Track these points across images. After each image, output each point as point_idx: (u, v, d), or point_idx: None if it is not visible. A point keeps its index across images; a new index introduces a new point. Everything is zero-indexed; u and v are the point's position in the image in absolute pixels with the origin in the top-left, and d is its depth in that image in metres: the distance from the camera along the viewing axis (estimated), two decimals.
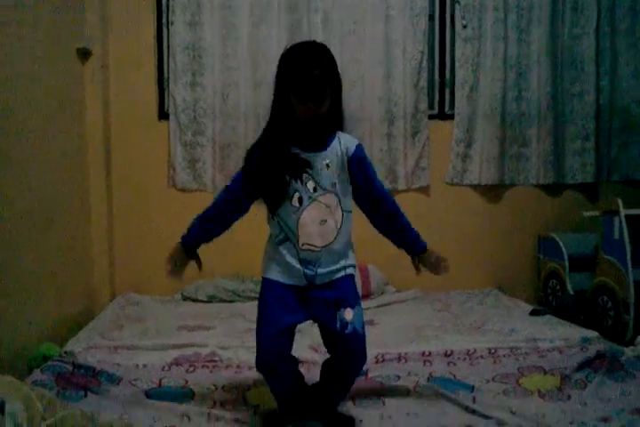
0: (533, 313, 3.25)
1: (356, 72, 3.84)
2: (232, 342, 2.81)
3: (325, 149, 1.84)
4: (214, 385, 2.33)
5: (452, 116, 3.95)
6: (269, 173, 1.82)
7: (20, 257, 2.64)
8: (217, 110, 3.84)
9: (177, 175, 3.88)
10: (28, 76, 2.79)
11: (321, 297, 1.92)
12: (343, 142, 1.87)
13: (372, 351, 2.57)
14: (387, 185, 3.90)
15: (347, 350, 1.95)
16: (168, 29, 3.86)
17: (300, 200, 1.83)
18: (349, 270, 1.97)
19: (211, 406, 2.20)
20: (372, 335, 2.89)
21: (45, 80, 3.01)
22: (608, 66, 3.93)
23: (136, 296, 3.77)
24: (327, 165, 1.83)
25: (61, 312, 3.13)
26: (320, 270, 1.91)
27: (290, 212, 1.85)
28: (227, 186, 1.97)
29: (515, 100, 3.91)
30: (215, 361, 2.59)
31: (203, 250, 3.80)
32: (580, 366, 2.41)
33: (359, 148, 1.89)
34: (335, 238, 1.89)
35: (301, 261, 1.89)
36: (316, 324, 2.03)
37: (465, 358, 2.56)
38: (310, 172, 1.82)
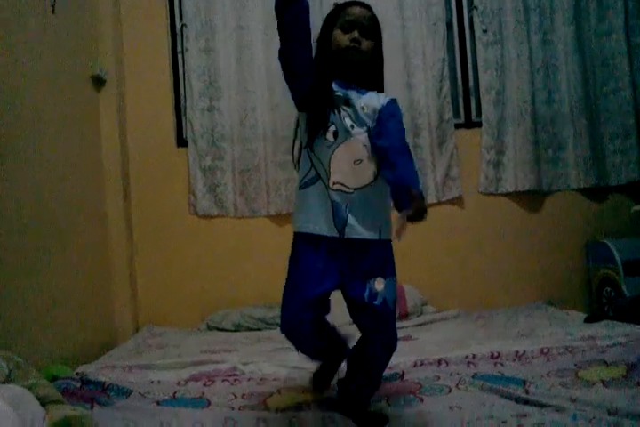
0: (589, 320, 2.95)
1: None
2: (255, 358, 2.58)
3: (365, 94, 1.79)
4: (233, 394, 2.10)
5: (479, 124, 3.76)
6: (311, 98, 1.74)
7: (31, 282, 2.52)
8: (235, 134, 3.74)
9: (198, 202, 3.75)
10: (41, 104, 2.75)
11: (351, 262, 1.73)
12: (381, 96, 1.82)
13: (409, 358, 2.33)
14: None
15: (374, 324, 1.73)
16: (183, 56, 3.83)
17: (336, 134, 1.72)
18: (386, 234, 1.77)
19: (228, 411, 1.94)
20: (408, 347, 2.66)
21: (59, 107, 2.96)
22: None
23: (160, 328, 3.57)
24: (362, 108, 1.75)
25: (80, 341, 2.95)
26: (351, 219, 1.71)
27: (324, 146, 1.73)
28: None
29: (545, 103, 3.71)
30: (236, 375, 2.36)
31: (226, 277, 3.67)
32: None
33: (392, 99, 1.83)
34: (371, 183, 1.74)
35: (333, 204, 1.72)
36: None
37: (514, 360, 2.28)
38: (348, 109, 1.74)
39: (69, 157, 3.03)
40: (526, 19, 3.71)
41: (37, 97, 2.72)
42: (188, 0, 3.77)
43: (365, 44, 1.77)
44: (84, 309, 3.06)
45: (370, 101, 1.77)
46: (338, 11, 1.81)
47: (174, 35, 3.87)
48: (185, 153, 3.80)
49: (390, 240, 1.80)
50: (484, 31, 3.72)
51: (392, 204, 1.72)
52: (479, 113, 3.79)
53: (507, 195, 3.72)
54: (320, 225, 1.74)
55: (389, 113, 1.78)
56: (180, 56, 3.86)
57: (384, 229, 1.77)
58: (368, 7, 1.82)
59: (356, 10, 1.79)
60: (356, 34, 1.75)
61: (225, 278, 3.71)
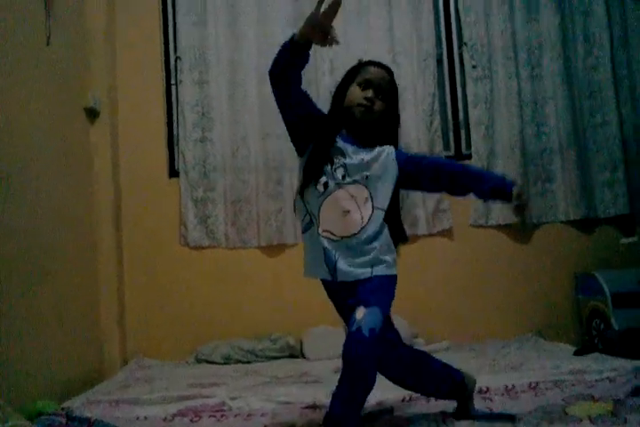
0: (578, 353, 2.95)
1: None
2: (243, 393, 2.56)
3: (369, 150, 1.86)
4: None
5: (469, 156, 3.79)
6: (315, 149, 1.85)
7: (17, 315, 2.49)
8: (227, 165, 3.77)
9: (189, 233, 3.76)
10: (35, 134, 2.78)
11: (348, 298, 1.80)
12: (385, 148, 1.90)
13: (398, 393, 2.32)
14: (407, 230, 3.69)
15: (345, 350, 1.67)
16: (177, 88, 3.88)
17: (326, 185, 1.81)
18: (379, 270, 1.80)
19: None
20: None
21: (52, 139, 2.98)
22: (628, 94, 3.77)
23: (149, 360, 3.54)
24: (363, 159, 1.83)
25: (67, 374, 2.92)
26: (341, 263, 1.79)
27: (314, 196, 1.83)
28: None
29: (534, 136, 3.76)
30: (224, 411, 2.34)
31: (216, 308, 3.66)
32: (636, 392, 2.10)
33: (399, 150, 1.95)
34: (358, 233, 1.80)
35: (324, 250, 1.81)
36: None
37: (503, 394, 2.28)
38: (342, 160, 1.82)
39: (61, 187, 3.04)
40: (515, 54, 3.77)
41: (31, 128, 2.74)
42: (182, 33, 3.83)
43: (378, 105, 1.85)
44: (72, 340, 3.03)
45: (371, 154, 1.85)
46: (358, 67, 1.91)
47: (168, 67, 3.92)
48: (177, 184, 3.82)
49: (385, 275, 1.82)
50: (474, 66, 3.79)
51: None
52: (469, 145, 3.83)
53: (496, 227, 3.74)
54: (317, 269, 1.85)
55: (408, 156, 1.93)
56: (173, 88, 3.91)
57: (377, 267, 1.80)
58: (389, 71, 1.91)
59: (376, 70, 1.88)
60: (370, 93, 1.83)
61: (215, 310, 3.69)
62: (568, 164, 3.72)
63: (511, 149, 3.73)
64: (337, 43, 1.71)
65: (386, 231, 1.86)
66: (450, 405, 2.12)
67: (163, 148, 3.87)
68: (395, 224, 1.94)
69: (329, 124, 1.87)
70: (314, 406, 2.29)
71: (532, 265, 3.71)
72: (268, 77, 3.57)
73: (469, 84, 3.82)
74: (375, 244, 1.81)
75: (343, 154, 1.83)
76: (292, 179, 3.70)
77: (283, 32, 3.77)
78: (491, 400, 2.21)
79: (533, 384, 2.33)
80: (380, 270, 1.80)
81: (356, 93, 1.85)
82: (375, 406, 2.21)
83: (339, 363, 2.92)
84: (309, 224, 1.87)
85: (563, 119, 3.74)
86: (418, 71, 3.78)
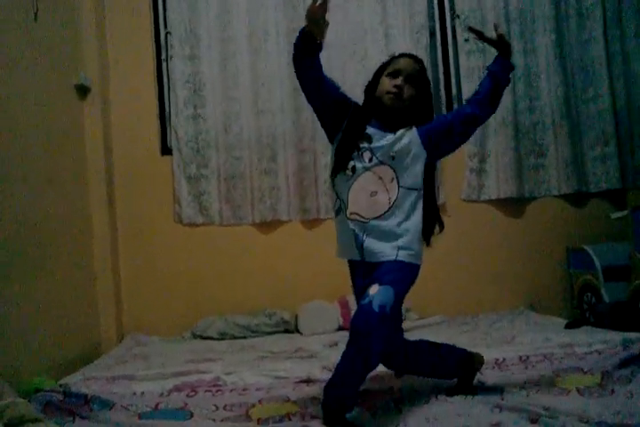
0: (569, 326, 3.00)
1: (360, 93, 3.74)
2: (239, 368, 2.59)
3: (394, 132, 1.92)
4: (215, 406, 2.11)
5: None
6: (344, 138, 1.93)
7: (13, 292, 2.50)
8: (220, 142, 3.75)
9: (182, 210, 3.76)
10: (25, 112, 2.76)
11: (365, 283, 1.85)
12: (410, 130, 1.95)
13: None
14: None
15: (352, 321, 1.76)
16: (167, 63, 3.84)
17: (354, 169, 1.90)
18: (403, 256, 1.85)
19: (210, 423, 1.96)
20: None
21: (43, 116, 2.95)
22: (620, 69, 3.77)
23: (144, 337, 3.57)
24: (387, 141, 1.90)
25: (64, 351, 2.95)
26: (368, 245, 1.86)
27: (344, 179, 1.92)
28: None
29: (527, 110, 3.76)
30: (219, 385, 2.38)
31: (211, 285, 3.69)
32: (624, 364, 2.14)
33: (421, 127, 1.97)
34: (385, 213, 1.87)
35: (353, 231, 1.90)
36: None
37: (494, 367, 2.32)
38: (369, 144, 1.90)
39: (53, 165, 3.03)
40: (507, 27, 3.74)
41: (20, 106, 2.72)
42: (173, 7, 3.78)
43: (407, 91, 1.91)
44: (68, 318, 3.05)
45: (395, 135, 1.91)
46: (389, 61, 2.00)
47: (158, 42, 3.87)
48: (169, 161, 3.80)
49: (408, 263, 1.87)
50: (466, 40, 3.76)
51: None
52: None
53: (489, 202, 3.76)
54: (347, 251, 1.94)
55: (426, 129, 1.95)
56: (164, 64, 3.87)
57: (402, 251, 1.85)
58: (418, 60, 2.00)
59: (405, 60, 1.97)
60: (399, 81, 1.91)
61: (210, 286, 3.72)
62: (560, 138, 3.74)
63: (504, 123, 3.74)
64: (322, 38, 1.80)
65: (416, 217, 1.90)
66: (442, 381, 2.15)
67: (155, 125, 3.85)
68: (430, 207, 2.00)
69: (360, 114, 1.95)
70: (308, 381, 2.33)
71: (524, 239, 3.75)
72: (260, 50, 3.62)
73: (462, 58, 3.81)
74: (404, 227, 1.87)
75: (369, 139, 1.91)
76: (286, 156, 3.70)
77: (274, 5, 3.73)
78: (481, 373, 2.24)
79: (524, 357, 2.37)
80: (404, 256, 1.85)
81: (385, 83, 1.94)
82: (370, 382, 2.24)
83: (333, 338, 2.99)
84: (340, 208, 1.95)
85: (555, 93, 3.74)
86: (411, 44, 3.74)
